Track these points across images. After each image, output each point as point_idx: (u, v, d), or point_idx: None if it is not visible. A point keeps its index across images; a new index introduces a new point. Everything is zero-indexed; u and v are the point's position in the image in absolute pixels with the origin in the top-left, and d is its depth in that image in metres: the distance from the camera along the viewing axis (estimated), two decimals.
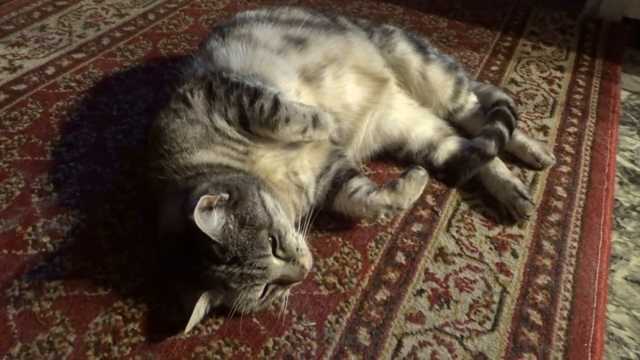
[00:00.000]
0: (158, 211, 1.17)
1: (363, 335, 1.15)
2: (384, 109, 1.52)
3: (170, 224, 1.09)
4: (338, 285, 1.24)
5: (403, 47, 1.58)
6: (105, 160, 1.54)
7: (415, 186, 1.27)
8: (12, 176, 1.47)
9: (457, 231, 1.39)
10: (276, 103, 1.20)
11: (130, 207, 1.40)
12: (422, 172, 1.29)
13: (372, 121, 1.51)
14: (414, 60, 1.57)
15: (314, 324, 1.16)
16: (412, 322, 1.18)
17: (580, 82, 1.97)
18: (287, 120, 1.20)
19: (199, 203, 0.96)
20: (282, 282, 1.08)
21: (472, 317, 1.19)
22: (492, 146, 1.46)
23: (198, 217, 0.97)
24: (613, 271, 1.36)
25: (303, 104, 1.27)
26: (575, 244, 1.36)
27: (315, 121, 1.24)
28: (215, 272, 1.01)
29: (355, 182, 1.34)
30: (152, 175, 1.20)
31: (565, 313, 1.20)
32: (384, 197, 1.27)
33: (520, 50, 2.15)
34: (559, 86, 1.94)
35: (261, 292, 1.05)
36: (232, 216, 1.03)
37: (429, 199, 1.47)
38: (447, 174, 1.53)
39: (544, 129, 1.73)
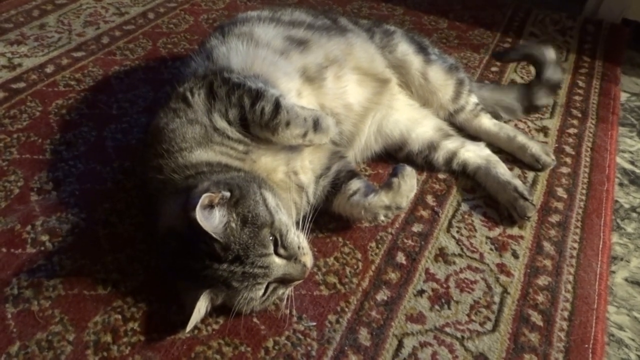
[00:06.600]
0: (158, 210, 1.16)
1: (364, 335, 1.14)
2: (385, 110, 1.52)
3: (171, 222, 1.08)
4: (338, 285, 1.24)
5: (404, 48, 1.58)
6: (104, 159, 1.54)
7: (409, 181, 1.26)
8: (11, 174, 1.46)
9: (457, 232, 1.39)
10: (277, 106, 1.19)
11: (130, 205, 1.40)
12: (409, 167, 1.29)
13: (373, 122, 1.51)
14: (415, 61, 1.57)
15: (314, 324, 1.16)
16: (412, 323, 1.17)
17: (580, 84, 1.97)
18: (287, 123, 1.19)
19: (200, 201, 0.96)
20: (284, 281, 1.08)
21: (473, 317, 1.19)
22: None
23: (200, 215, 0.96)
24: (613, 272, 1.36)
25: (305, 107, 1.26)
26: (576, 245, 1.36)
27: (316, 125, 1.23)
28: (217, 271, 1.00)
29: (354, 184, 1.34)
30: (151, 175, 1.20)
31: (565, 314, 1.20)
32: (381, 198, 1.26)
33: None
34: (559, 87, 1.94)
35: (263, 290, 1.05)
36: (233, 214, 1.02)
37: (430, 200, 1.47)
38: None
39: (544, 130, 1.73)
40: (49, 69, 1.89)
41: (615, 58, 2.13)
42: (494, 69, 2.03)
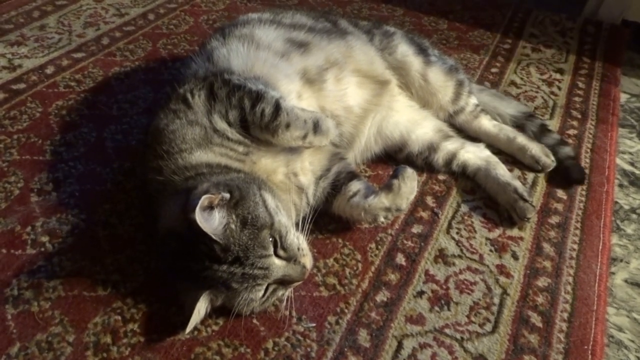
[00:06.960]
0: (158, 211, 1.17)
1: (363, 336, 1.14)
2: (385, 111, 1.52)
3: (171, 224, 1.08)
4: (338, 287, 1.24)
5: (404, 49, 1.58)
6: (104, 159, 1.54)
7: (409, 183, 1.27)
8: (12, 175, 1.47)
9: (457, 233, 1.39)
10: (277, 108, 1.20)
11: (130, 207, 1.40)
12: (410, 169, 1.29)
13: (373, 124, 1.51)
14: (414, 62, 1.57)
15: (314, 325, 1.16)
16: (412, 324, 1.17)
17: (580, 85, 1.97)
18: (287, 125, 1.19)
19: (200, 202, 0.96)
20: (284, 282, 1.08)
21: (473, 319, 1.19)
22: None
23: (199, 217, 0.96)
24: (613, 274, 1.36)
25: (305, 110, 1.27)
26: (576, 247, 1.36)
27: (316, 127, 1.23)
28: (216, 272, 1.01)
29: (354, 186, 1.34)
30: (151, 176, 1.20)
31: (565, 315, 1.20)
32: (381, 200, 1.26)
33: (520, 53, 2.15)
34: (559, 88, 1.95)
35: (262, 292, 1.05)
36: (233, 216, 1.02)
37: (429, 201, 1.47)
38: None
39: None
40: (49, 70, 1.89)
41: (615, 59, 2.13)
42: (493, 69, 2.03)
